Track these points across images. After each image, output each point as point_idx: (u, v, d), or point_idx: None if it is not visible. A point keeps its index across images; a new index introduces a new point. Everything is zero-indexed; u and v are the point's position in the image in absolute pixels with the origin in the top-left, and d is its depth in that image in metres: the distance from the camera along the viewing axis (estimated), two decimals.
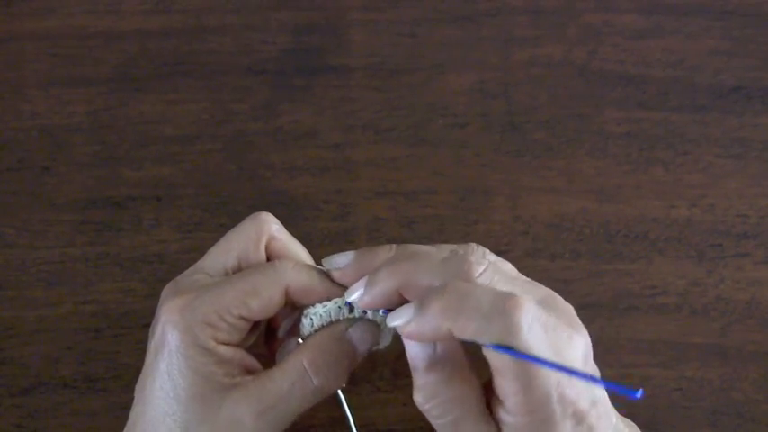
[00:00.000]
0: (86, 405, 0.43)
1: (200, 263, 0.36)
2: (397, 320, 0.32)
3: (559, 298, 0.34)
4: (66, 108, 0.46)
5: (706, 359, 0.44)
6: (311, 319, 0.34)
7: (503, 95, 0.46)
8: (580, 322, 0.33)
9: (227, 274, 0.35)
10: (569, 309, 0.34)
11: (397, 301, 0.33)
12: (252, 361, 0.35)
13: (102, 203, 0.45)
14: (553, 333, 0.31)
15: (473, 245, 0.34)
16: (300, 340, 0.36)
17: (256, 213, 0.36)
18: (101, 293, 0.44)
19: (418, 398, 0.32)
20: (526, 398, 0.30)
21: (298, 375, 0.33)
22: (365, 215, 0.45)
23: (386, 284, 0.33)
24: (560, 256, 0.45)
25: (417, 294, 0.32)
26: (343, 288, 0.34)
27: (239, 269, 0.35)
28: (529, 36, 0.47)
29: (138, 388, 0.35)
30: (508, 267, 0.35)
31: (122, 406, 0.43)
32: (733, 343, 0.44)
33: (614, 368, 0.43)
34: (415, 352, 0.33)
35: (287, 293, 0.34)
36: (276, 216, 0.37)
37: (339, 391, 0.37)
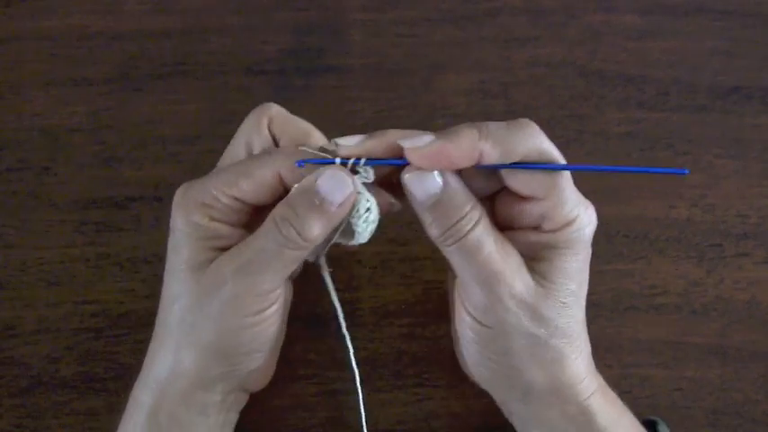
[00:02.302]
0: (86, 405, 0.43)
1: (219, 160, 0.37)
2: (414, 143, 0.33)
3: None
4: (67, 108, 0.46)
5: (706, 359, 0.44)
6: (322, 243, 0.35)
7: (503, 95, 0.46)
8: None
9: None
10: None
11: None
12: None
13: (102, 203, 0.45)
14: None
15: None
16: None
17: (260, 104, 0.37)
18: (101, 293, 0.44)
19: (434, 230, 0.34)
20: (562, 206, 0.33)
21: (267, 230, 0.34)
22: None
23: (390, 138, 0.34)
24: None
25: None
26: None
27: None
28: (529, 36, 0.47)
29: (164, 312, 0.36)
30: None
31: (122, 406, 0.43)
32: (733, 343, 0.44)
33: (614, 368, 0.43)
34: (427, 184, 0.33)
35: (282, 179, 0.34)
36: None
37: (326, 275, 0.37)
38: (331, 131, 0.46)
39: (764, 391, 0.44)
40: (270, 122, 0.36)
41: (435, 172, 0.33)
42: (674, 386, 0.44)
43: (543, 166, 0.33)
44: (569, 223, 0.34)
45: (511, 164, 0.33)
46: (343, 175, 0.33)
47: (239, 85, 0.46)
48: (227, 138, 0.45)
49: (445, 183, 0.33)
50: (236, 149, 0.37)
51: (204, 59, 0.46)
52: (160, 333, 0.35)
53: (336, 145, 0.34)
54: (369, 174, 0.34)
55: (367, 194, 0.34)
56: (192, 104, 0.46)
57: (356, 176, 0.34)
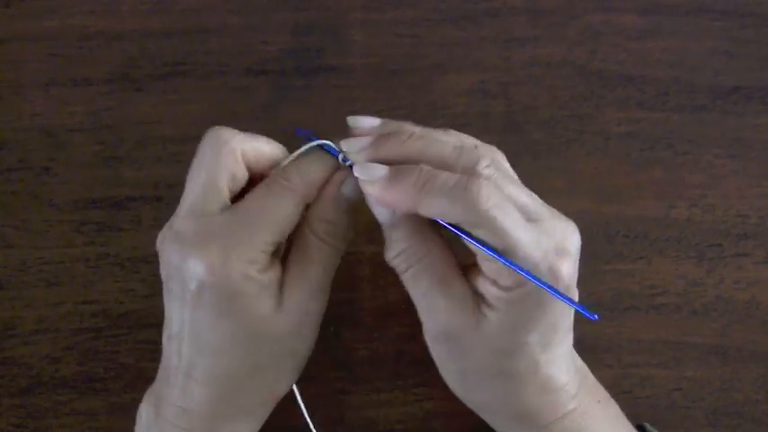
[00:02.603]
0: (86, 405, 0.43)
1: (184, 204, 0.35)
2: (367, 175, 0.34)
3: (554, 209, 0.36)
4: (67, 108, 0.46)
5: (706, 359, 0.44)
6: None
7: (503, 95, 0.46)
8: (573, 224, 0.35)
9: (225, 204, 0.35)
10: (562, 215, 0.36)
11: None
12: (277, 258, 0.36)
13: (102, 203, 0.45)
14: (534, 212, 0.34)
15: (492, 148, 0.37)
16: None
17: (212, 131, 0.36)
18: (101, 293, 0.44)
19: (386, 254, 0.35)
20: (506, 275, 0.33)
21: (322, 249, 0.35)
22: (365, 215, 0.45)
23: (389, 152, 0.34)
24: None
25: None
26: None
27: (233, 195, 0.35)
28: (529, 36, 0.47)
29: (180, 359, 0.35)
30: (514, 174, 0.37)
31: (122, 406, 0.43)
32: (733, 343, 0.44)
33: (614, 368, 0.43)
34: (378, 210, 0.35)
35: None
36: None
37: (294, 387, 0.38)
38: (331, 131, 0.46)
39: (764, 391, 0.44)
40: (243, 154, 0.35)
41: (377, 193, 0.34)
42: (674, 386, 0.44)
43: (493, 254, 0.32)
44: (524, 283, 0.32)
45: (464, 233, 0.33)
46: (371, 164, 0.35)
47: (239, 85, 0.46)
48: None
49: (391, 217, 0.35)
50: (214, 191, 0.34)
51: (204, 59, 0.46)
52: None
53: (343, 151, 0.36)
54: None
55: None
56: (192, 104, 0.46)
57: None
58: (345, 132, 0.46)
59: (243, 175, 0.35)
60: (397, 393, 0.43)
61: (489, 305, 0.33)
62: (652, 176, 0.46)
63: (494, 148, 0.36)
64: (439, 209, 0.32)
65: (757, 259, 0.45)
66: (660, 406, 0.44)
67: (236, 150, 0.35)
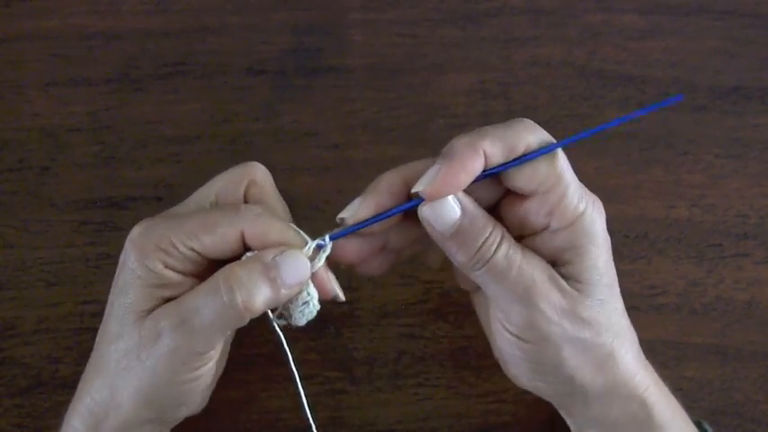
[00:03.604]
0: None
1: (187, 198, 0.36)
2: (427, 177, 0.33)
3: None
4: (67, 108, 0.46)
5: (706, 359, 0.44)
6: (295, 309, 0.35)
7: (503, 95, 0.46)
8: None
9: (201, 208, 0.35)
10: None
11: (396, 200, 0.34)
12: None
13: (102, 203, 0.45)
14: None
15: None
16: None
17: (248, 162, 0.36)
18: (101, 293, 0.44)
19: (460, 258, 0.33)
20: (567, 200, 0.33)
21: (211, 290, 0.33)
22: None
23: (388, 179, 0.34)
24: None
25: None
26: (299, 242, 0.34)
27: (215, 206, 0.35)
28: (529, 36, 0.47)
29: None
30: None
31: None
32: (733, 343, 0.44)
33: None
34: (441, 223, 0.33)
35: (244, 238, 0.34)
36: None
37: (284, 342, 0.36)
38: (331, 131, 0.46)
39: (764, 391, 0.44)
40: (250, 185, 0.35)
41: (451, 199, 0.33)
42: (674, 386, 0.44)
43: (546, 149, 0.33)
44: (579, 217, 0.33)
45: (514, 160, 0.33)
46: (306, 262, 0.33)
47: (239, 85, 0.46)
48: (227, 138, 0.45)
49: (463, 209, 0.33)
50: (204, 197, 0.36)
51: (204, 59, 0.46)
52: (97, 364, 0.35)
53: (342, 220, 0.34)
54: (327, 249, 0.34)
55: (311, 287, 0.34)
56: (192, 104, 0.46)
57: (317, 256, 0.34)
58: (344, 132, 0.46)
59: (234, 198, 0.36)
60: (397, 393, 0.43)
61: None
62: (652, 176, 0.46)
63: None
64: (503, 143, 0.32)
65: (757, 259, 0.45)
66: None
67: (243, 174, 0.36)
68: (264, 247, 0.34)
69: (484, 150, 0.32)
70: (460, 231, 0.33)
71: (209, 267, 0.34)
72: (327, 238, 0.34)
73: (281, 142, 0.45)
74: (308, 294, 0.34)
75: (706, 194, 0.46)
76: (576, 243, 0.33)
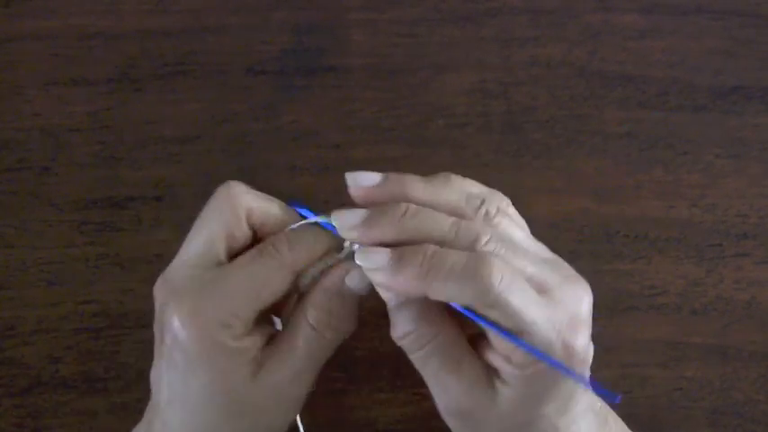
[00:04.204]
0: (86, 405, 0.43)
1: (182, 254, 0.35)
2: (369, 264, 0.32)
3: (564, 263, 0.35)
4: (66, 108, 0.46)
5: (706, 359, 0.44)
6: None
7: (503, 95, 0.46)
8: (584, 282, 0.34)
9: (220, 262, 0.34)
10: (572, 271, 0.35)
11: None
12: (266, 328, 0.35)
13: (102, 203, 0.45)
14: (548, 287, 0.32)
15: (496, 195, 0.35)
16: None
17: (224, 186, 0.35)
18: (101, 293, 0.44)
19: (392, 333, 0.34)
20: (519, 355, 0.31)
21: (310, 337, 0.34)
22: None
23: (384, 233, 0.33)
24: (560, 255, 0.45)
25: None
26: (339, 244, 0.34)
27: (231, 252, 0.34)
28: (529, 36, 0.47)
29: (159, 399, 0.34)
30: (519, 234, 0.35)
31: (122, 406, 0.43)
32: (733, 343, 0.44)
33: (614, 368, 0.43)
34: (384, 294, 0.34)
35: (294, 270, 0.34)
36: None
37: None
38: (331, 131, 0.46)
39: (764, 391, 0.44)
40: (249, 215, 0.34)
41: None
42: (674, 386, 0.44)
43: (505, 334, 0.31)
44: (537, 360, 0.31)
45: (477, 316, 0.32)
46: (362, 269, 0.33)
47: (239, 85, 0.46)
48: (227, 138, 0.45)
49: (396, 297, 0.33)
50: (212, 245, 0.34)
51: (204, 59, 0.46)
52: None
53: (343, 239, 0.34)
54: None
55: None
56: (192, 104, 0.46)
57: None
58: (344, 132, 0.46)
59: (243, 235, 0.34)
60: (397, 393, 0.43)
61: (503, 381, 0.32)
62: (652, 176, 0.46)
63: (499, 195, 0.35)
64: (448, 293, 0.31)
65: (757, 259, 0.45)
66: (660, 406, 0.44)
67: (238, 208, 0.34)
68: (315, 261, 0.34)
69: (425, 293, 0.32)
70: (393, 312, 0.34)
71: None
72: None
73: (281, 142, 0.45)
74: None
75: (706, 194, 0.46)
76: (525, 381, 0.32)
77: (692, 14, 0.48)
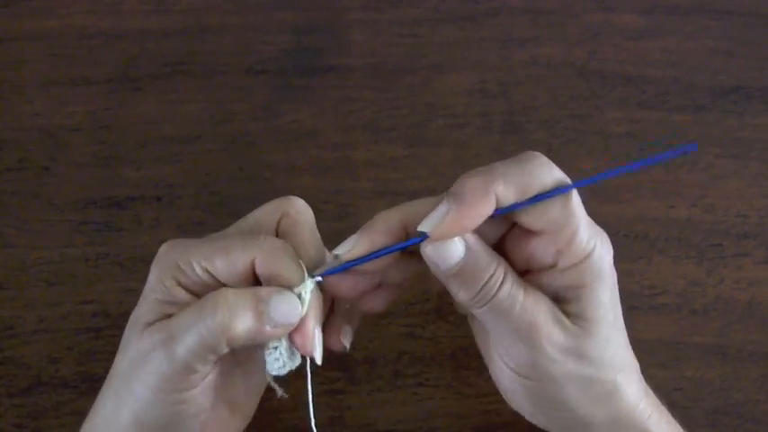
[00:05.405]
0: (86, 405, 0.43)
1: (228, 228, 0.36)
2: (434, 218, 0.31)
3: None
4: (66, 108, 0.46)
5: (706, 359, 0.44)
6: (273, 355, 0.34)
7: (503, 95, 0.46)
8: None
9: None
10: None
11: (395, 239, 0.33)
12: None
13: (102, 203, 0.45)
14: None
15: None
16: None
17: (288, 196, 0.35)
18: (101, 293, 0.44)
19: (462, 297, 0.33)
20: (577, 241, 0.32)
21: (198, 308, 0.32)
22: (365, 215, 0.45)
23: (386, 218, 0.33)
24: None
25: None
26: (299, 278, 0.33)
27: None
28: (529, 36, 0.47)
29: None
30: None
31: None
32: (733, 343, 0.44)
33: None
34: (444, 262, 0.32)
35: (255, 268, 0.33)
36: None
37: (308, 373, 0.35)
38: (331, 131, 0.46)
39: (764, 391, 0.44)
40: (283, 217, 0.35)
41: (456, 238, 0.32)
42: (674, 386, 0.44)
43: (560, 190, 0.32)
44: (588, 255, 0.32)
45: (527, 200, 0.32)
46: (297, 306, 0.33)
47: (239, 85, 0.46)
48: (227, 138, 0.45)
49: (467, 247, 0.32)
50: (244, 223, 0.35)
51: (204, 59, 0.46)
52: (111, 375, 0.35)
53: (337, 257, 0.33)
54: (308, 285, 0.33)
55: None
56: (192, 104, 0.46)
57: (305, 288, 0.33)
58: (346, 133, 0.46)
59: (267, 227, 0.35)
60: (397, 393, 0.43)
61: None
62: (652, 176, 0.46)
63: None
64: (516, 186, 0.31)
65: (757, 259, 0.45)
66: None
67: (280, 207, 0.35)
68: (270, 281, 0.33)
69: (497, 195, 0.31)
70: (463, 270, 0.32)
71: None
72: (310, 277, 0.33)
73: (281, 142, 0.45)
74: (278, 340, 0.33)
75: (706, 194, 0.46)
76: (583, 281, 0.33)
77: (692, 14, 0.48)
